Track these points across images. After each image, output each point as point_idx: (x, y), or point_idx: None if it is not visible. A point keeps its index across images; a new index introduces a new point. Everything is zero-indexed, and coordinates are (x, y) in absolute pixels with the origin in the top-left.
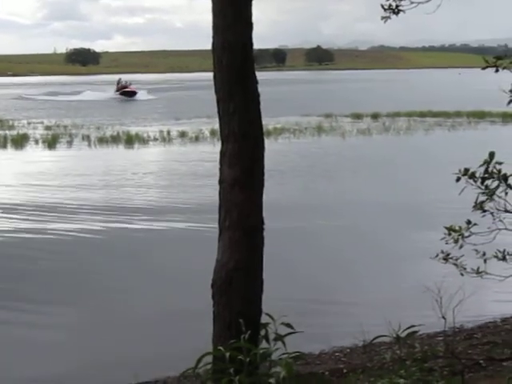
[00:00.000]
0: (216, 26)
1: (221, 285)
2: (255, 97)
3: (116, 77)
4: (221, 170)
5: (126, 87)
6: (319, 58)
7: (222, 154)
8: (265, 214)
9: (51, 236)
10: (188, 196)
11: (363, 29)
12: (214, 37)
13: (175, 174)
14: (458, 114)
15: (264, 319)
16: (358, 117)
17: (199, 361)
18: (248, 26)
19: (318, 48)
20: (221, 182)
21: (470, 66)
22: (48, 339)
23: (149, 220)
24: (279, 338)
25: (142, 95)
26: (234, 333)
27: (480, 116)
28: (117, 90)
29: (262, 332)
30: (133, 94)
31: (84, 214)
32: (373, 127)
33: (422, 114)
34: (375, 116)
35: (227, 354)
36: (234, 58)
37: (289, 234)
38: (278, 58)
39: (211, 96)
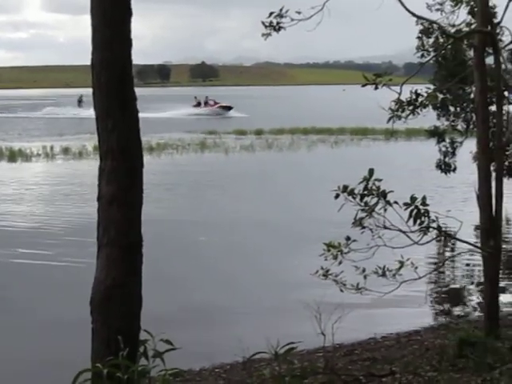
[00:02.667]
0: (95, 42)
1: (99, 302)
2: (134, 114)
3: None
4: (99, 186)
5: (206, 102)
6: (204, 73)
7: (101, 170)
8: (143, 230)
9: None
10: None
11: (248, 45)
12: (92, 53)
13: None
14: (342, 131)
15: (143, 336)
16: (241, 133)
17: (76, 378)
18: (127, 42)
19: (203, 64)
20: (99, 198)
21: (355, 82)
22: None
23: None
24: (158, 354)
25: None
26: (113, 350)
27: (363, 133)
28: (202, 104)
29: (141, 349)
30: (229, 108)
31: None
32: (256, 144)
33: (306, 131)
34: (259, 133)
35: (105, 371)
36: (113, 74)
37: (169, 249)
38: (163, 73)
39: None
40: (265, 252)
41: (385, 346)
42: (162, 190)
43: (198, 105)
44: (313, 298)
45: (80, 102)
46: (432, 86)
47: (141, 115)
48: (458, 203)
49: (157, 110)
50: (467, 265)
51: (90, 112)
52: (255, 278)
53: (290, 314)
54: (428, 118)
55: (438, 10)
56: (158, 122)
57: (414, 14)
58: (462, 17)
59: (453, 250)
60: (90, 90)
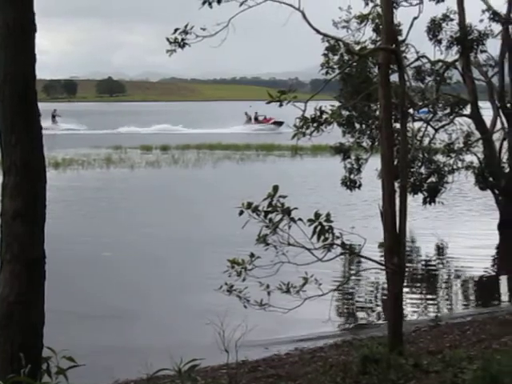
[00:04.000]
0: None
1: (1, 318)
2: (37, 129)
3: None
4: (2, 202)
5: (256, 118)
6: (110, 89)
7: (4, 185)
8: (46, 246)
9: None
10: None
11: (155, 61)
12: None
13: None
14: (248, 147)
15: (46, 353)
16: (147, 149)
17: None
18: (31, 57)
19: (109, 79)
20: (2, 214)
21: (262, 98)
22: None
23: None
24: (61, 371)
25: None
26: (16, 367)
27: (269, 149)
28: (252, 120)
29: (44, 366)
30: (281, 124)
31: None
32: (162, 159)
33: (212, 147)
34: (165, 148)
35: None
36: (16, 89)
37: (74, 266)
38: (69, 88)
39: None
40: (171, 268)
41: (289, 362)
42: (64, 205)
43: (250, 120)
44: (217, 314)
45: (54, 117)
46: (337, 103)
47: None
48: (362, 220)
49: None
50: (372, 281)
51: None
52: (160, 294)
53: (194, 331)
54: (334, 134)
55: (344, 27)
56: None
57: (319, 32)
58: (367, 34)
59: (358, 266)
60: None
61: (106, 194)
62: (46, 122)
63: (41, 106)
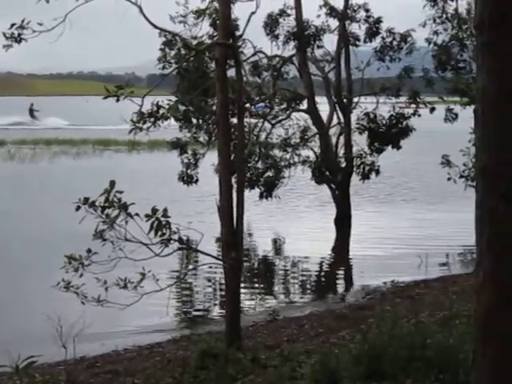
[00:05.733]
0: None
1: None
2: None
3: None
4: None
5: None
6: None
7: None
8: None
9: None
10: None
11: None
12: None
13: None
14: (85, 142)
15: None
16: None
17: None
18: None
19: None
20: None
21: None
22: None
23: None
24: None
25: None
26: None
27: (106, 144)
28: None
29: None
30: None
31: None
32: None
33: (48, 142)
34: (0, 143)
35: None
36: None
37: None
38: None
39: None
40: (18, 266)
41: (127, 358)
42: None
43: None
44: (54, 311)
45: (32, 111)
46: (174, 98)
47: None
48: (200, 215)
49: None
50: (210, 276)
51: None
52: None
53: (31, 328)
54: (172, 129)
55: (181, 22)
56: None
57: (156, 26)
58: (205, 29)
59: (196, 261)
60: None
61: None
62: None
63: None
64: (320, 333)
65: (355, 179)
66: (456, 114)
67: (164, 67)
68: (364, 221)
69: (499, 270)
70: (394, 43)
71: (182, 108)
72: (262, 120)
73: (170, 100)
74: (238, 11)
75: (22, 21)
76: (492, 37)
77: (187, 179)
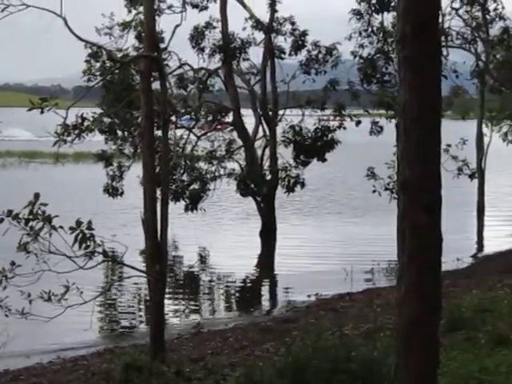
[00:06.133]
0: None
1: None
2: None
3: None
4: None
5: None
6: None
7: None
8: None
9: None
10: None
11: None
12: None
13: None
14: (10, 154)
15: None
16: None
17: None
18: None
19: None
20: None
21: (26, 105)
22: None
23: None
24: None
25: None
26: None
27: (31, 156)
28: None
29: None
30: None
31: None
32: None
33: None
34: None
35: None
36: None
37: None
38: None
39: None
40: None
41: (51, 371)
42: None
43: None
44: None
45: None
46: (100, 110)
47: None
48: (125, 227)
49: None
50: (135, 289)
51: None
52: None
53: None
54: (98, 141)
55: (106, 34)
56: None
57: (80, 38)
58: (130, 41)
59: (121, 274)
60: None
61: None
62: None
63: None
64: (244, 346)
65: (280, 192)
66: (381, 127)
67: (89, 79)
68: (289, 234)
69: (423, 282)
70: (320, 56)
71: (107, 120)
72: (187, 132)
73: (95, 112)
74: (164, 24)
75: None
76: (413, 51)
77: (112, 191)
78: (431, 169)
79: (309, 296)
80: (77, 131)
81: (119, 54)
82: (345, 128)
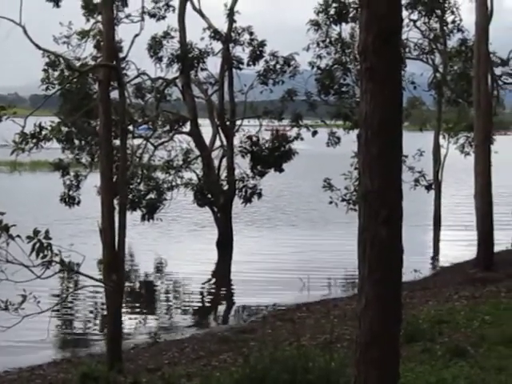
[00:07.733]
0: None
1: None
2: None
3: None
4: None
5: None
6: None
7: None
8: None
9: None
10: None
11: None
12: None
13: None
14: None
15: None
16: None
17: None
18: None
19: None
20: None
21: None
22: None
23: None
24: None
25: None
26: None
27: None
28: None
29: None
30: None
31: None
32: None
33: None
34: None
35: None
36: None
37: None
38: None
39: None
40: None
41: (7, 380)
42: None
43: None
44: None
45: None
46: (57, 119)
47: None
48: (82, 237)
49: None
50: (92, 299)
51: None
52: None
53: None
54: (55, 150)
55: (65, 42)
56: None
57: (39, 47)
58: (88, 50)
59: (78, 283)
60: None
61: None
62: None
63: None
64: (201, 356)
65: (237, 202)
66: (339, 138)
67: (47, 88)
68: (246, 244)
69: (383, 293)
70: (278, 66)
71: (64, 129)
72: (144, 142)
73: (53, 121)
74: (123, 33)
75: None
76: (375, 62)
77: (69, 201)
78: (392, 181)
79: (266, 306)
80: (35, 140)
81: (77, 63)
82: (302, 138)
